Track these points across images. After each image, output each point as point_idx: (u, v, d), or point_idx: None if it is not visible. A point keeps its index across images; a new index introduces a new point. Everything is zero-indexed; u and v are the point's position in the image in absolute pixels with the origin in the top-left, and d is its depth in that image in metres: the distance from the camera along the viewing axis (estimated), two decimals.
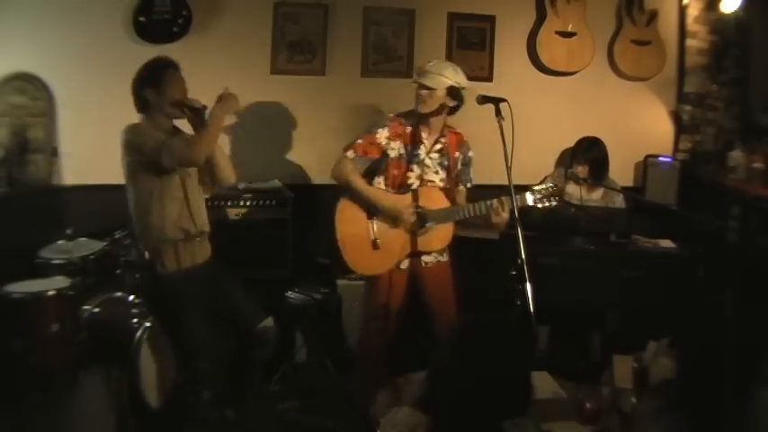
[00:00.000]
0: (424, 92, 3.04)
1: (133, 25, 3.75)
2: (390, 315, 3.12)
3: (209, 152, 2.86)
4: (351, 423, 3.08)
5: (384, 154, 3.13)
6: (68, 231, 3.25)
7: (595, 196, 3.95)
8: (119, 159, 2.88)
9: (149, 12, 3.75)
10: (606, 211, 3.84)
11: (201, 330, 2.92)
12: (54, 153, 3.78)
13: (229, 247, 3.22)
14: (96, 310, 3.20)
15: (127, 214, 2.97)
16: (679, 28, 4.52)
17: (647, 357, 2.39)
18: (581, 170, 3.89)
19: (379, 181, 3.17)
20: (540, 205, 2.99)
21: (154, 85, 2.83)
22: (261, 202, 3.80)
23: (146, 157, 2.79)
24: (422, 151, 3.13)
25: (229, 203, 3.74)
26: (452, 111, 3.12)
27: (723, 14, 4.34)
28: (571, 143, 4.07)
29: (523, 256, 2.50)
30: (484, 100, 2.82)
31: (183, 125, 2.99)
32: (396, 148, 3.12)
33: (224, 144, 3.76)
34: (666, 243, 3.70)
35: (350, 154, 3.12)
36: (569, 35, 4.28)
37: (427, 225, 3.07)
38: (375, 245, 3.10)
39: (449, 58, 4.25)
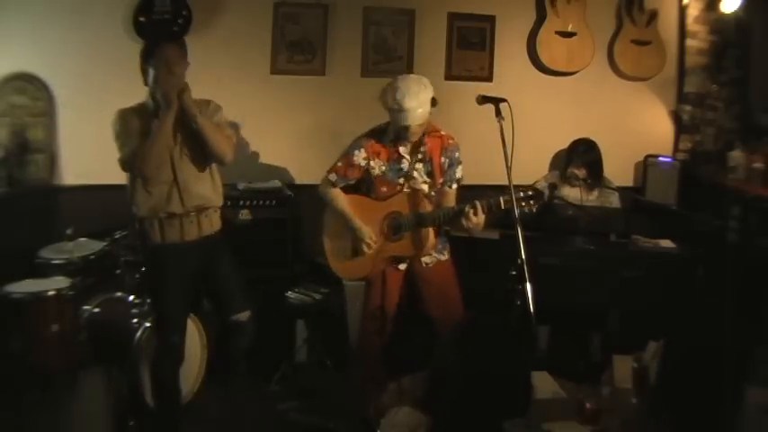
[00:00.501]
0: (414, 128, 2.98)
1: (133, 25, 3.75)
2: (386, 315, 3.12)
3: (158, 160, 2.77)
4: (351, 423, 3.08)
5: (367, 173, 3.12)
6: (68, 231, 3.24)
7: (592, 197, 3.97)
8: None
9: (149, 12, 3.75)
10: (605, 211, 3.85)
11: (176, 305, 2.93)
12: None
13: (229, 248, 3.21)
14: (96, 310, 3.22)
15: (127, 209, 2.93)
16: (679, 28, 4.52)
17: (647, 357, 2.38)
18: (580, 172, 3.91)
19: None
20: (518, 210, 2.73)
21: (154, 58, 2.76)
22: (261, 202, 3.80)
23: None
24: (404, 165, 3.09)
25: (229, 204, 3.73)
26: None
27: (723, 14, 4.34)
28: None
29: (523, 256, 2.49)
30: (484, 100, 2.80)
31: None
32: (376, 167, 3.10)
33: None
34: (666, 243, 3.70)
35: (332, 177, 3.13)
36: (569, 35, 4.28)
37: (402, 232, 3.07)
38: (354, 251, 3.12)
39: (449, 57, 4.27)
